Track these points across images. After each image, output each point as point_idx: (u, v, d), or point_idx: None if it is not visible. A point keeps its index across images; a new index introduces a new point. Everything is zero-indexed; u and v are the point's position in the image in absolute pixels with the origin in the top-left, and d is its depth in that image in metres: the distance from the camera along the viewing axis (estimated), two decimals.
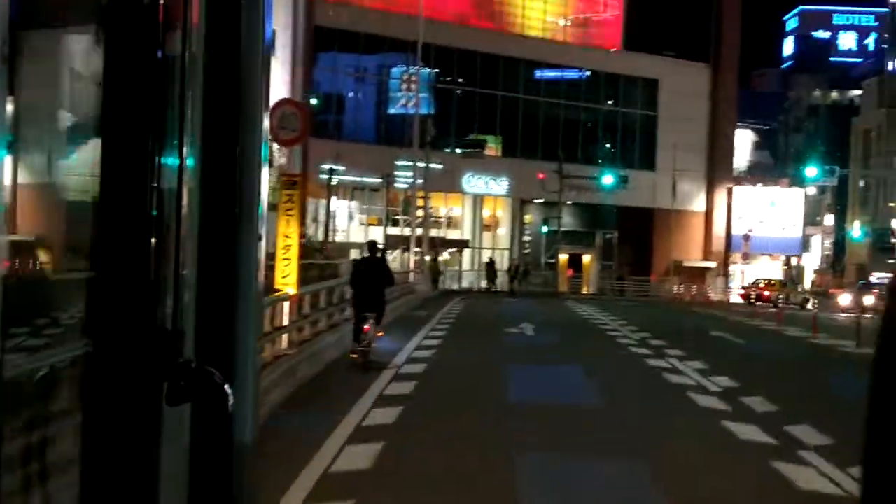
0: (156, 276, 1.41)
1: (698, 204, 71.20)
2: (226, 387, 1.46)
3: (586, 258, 69.61)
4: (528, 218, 67.77)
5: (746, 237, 67.44)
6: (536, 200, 66.99)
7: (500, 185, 65.53)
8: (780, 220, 70.28)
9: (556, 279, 63.03)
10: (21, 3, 1.45)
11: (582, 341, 23.26)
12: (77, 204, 1.86)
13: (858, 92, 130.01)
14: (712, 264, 70.14)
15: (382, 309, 17.10)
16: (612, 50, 68.21)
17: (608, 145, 69.54)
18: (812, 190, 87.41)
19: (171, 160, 1.48)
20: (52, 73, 1.90)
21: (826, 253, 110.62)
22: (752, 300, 55.63)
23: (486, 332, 24.47)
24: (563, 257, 66.34)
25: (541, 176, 61.52)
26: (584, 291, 65.14)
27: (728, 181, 71.60)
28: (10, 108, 1.41)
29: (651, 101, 69.67)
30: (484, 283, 62.58)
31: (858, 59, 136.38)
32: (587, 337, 24.78)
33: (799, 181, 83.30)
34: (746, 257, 67.14)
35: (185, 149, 1.49)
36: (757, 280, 62.35)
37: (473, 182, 64.16)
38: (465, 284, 63.95)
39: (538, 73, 66.55)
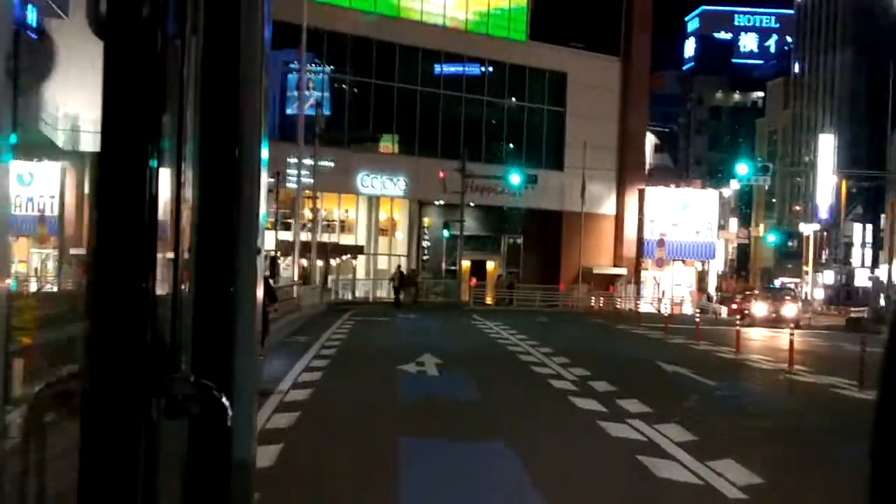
0: (154, 289, 1.40)
1: (609, 206, 65.83)
2: (224, 401, 1.43)
3: (490, 265, 63.70)
4: (427, 221, 61.59)
5: (661, 242, 62.21)
6: (437, 202, 60.92)
7: (398, 186, 59.31)
8: (693, 223, 65.23)
9: (458, 288, 56.96)
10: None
11: (504, 388, 16.96)
12: None
13: (761, 94, 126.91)
14: (623, 271, 64.82)
15: (266, 328, 15.55)
16: (518, 40, 62.45)
17: (514, 144, 63.71)
18: (727, 192, 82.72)
19: (169, 172, 1.47)
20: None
21: (730, 258, 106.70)
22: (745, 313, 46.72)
23: (374, 374, 18.11)
24: (466, 264, 60.33)
25: (441, 175, 55.41)
26: (489, 301, 59.23)
27: (640, 182, 66.37)
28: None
29: (559, 96, 64.05)
30: (385, 294, 56.63)
31: (760, 61, 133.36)
32: (509, 378, 18.51)
33: (715, 182, 78.70)
34: (661, 264, 61.91)
35: (183, 162, 1.48)
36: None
37: (368, 182, 57.81)
38: (359, 294, 57.65)
39: (438, 64, 60.46)
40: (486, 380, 17.58)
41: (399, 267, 55.92)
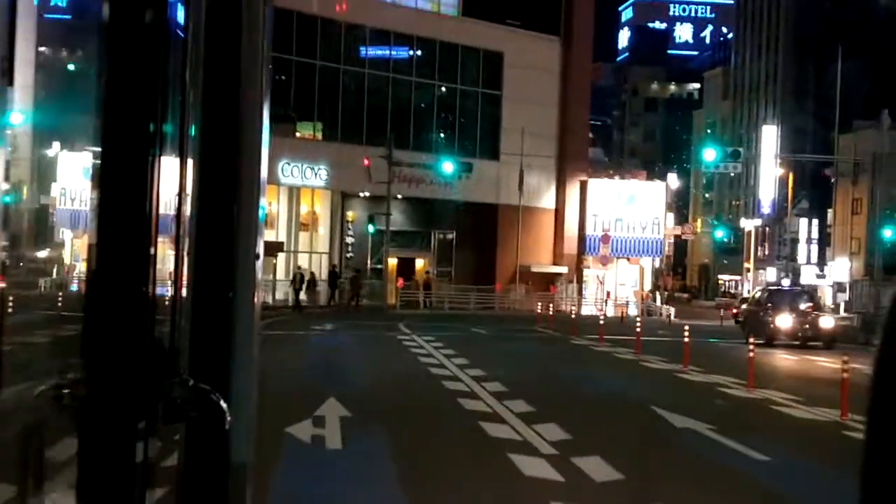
0: (153, 293, 1.40)
1: (548, 200, 59.78)
2: (222, 404, 1.43)
3: (419, 262, 57.33)
4: (351, 215, 54.98)
5: (605, 238, 56.31)
6: (362, 194, 54.42)
7: (319, 176, 52.70)
8: (639, 217, 59.41)
9: (383, 290, 50.49)
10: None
11: (447, 477, 10.56)
12: None
13: (698, 85, 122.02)
14: (563, 269, 58.85)
15: None
16: (450, 15, 56.13)
17: (445, 130, 57.31)
18: (675, 183, 77.42)
19: (169, 176, 1.48)
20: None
21: (667, 254, 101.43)
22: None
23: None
24: (392, 261, 53.95)
25: (366, 162, 49.01)
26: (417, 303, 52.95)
27: (581, 173, 60.40)
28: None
29: (495, 77, 57.79)
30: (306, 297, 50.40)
31: (695, 52, 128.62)
32: (451, 450, 12.02)
33: (654, 176, 73.17)
34: (606, 261, 56.00)
35: (184, 166, 1.49)
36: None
37: (289, 171, 51.03)
38: (279, 296, 51.01)
39: (363, 40, 53.90)
40: (416, 457, 11.17)
41: (300, 268, 49.85)
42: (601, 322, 31.95)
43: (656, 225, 60.00)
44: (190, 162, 1.52)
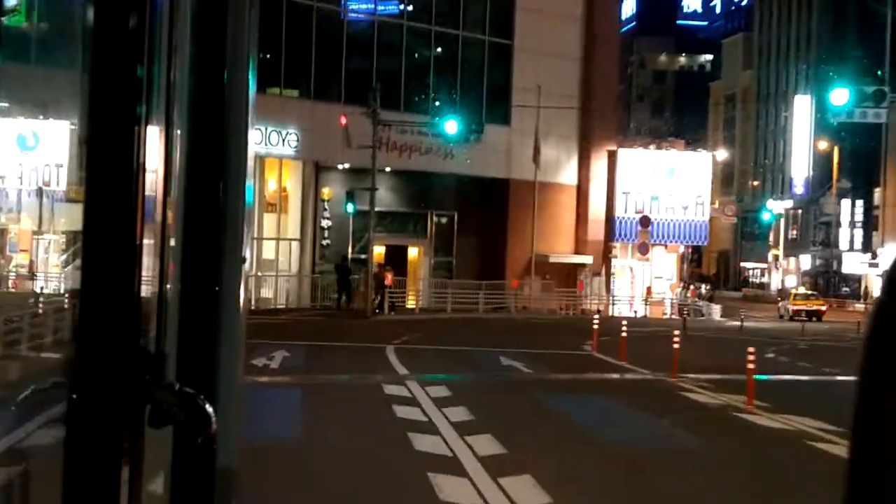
0: (139, 297, 1.38)
1: (568, 174, 47.74)
2: (208, 409, 1.40)
3: (414, 252, 45.21)
4: (326, 192, 42.75)
5: (645, 220, 44.28)
6: (340, 166, 42.33)
7: (287, 143, 40.59)
8: (681, 195, 47.47)
9: (364, 286, 38.05)
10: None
11: None
12: None
13: (709, 56, 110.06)
14: (588, 259, 46.87)
15: None
16: None
17: (444, 87, 45.00)
18: (722, 154, 65.42)
19: (154, 182, 1.46)
20: None
21: None
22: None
23: None
24: (379, 250, 41.87)
25: (343, 121, 36.85)
26: (412, 305, 40.91)
27: (609, 142, 48.34)
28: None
29: (505, 23, 45.55)
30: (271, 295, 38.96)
31: (704, 22, 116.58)
32: None
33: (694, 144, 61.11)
34: (646, 250, 43.97)
35: (170, 171, 1.48)
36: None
37: (251, 135, 38.52)
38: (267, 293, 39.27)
39: None
40: None
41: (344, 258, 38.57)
42: (677, 339, 19.66)
43: (700, 205, 47.99)
44: (175, 169, 1.47)
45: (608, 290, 46.85)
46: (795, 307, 49.57)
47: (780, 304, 55.86)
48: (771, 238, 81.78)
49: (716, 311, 48.40)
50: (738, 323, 40.43)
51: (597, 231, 47.22)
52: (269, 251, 41.75)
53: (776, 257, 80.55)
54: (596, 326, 23.87)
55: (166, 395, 1.40)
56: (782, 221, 79.00)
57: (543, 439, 12.21)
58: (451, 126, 36.47)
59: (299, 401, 14.20)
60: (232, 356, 1.51)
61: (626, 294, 46.78)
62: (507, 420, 13.19)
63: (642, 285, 47.52)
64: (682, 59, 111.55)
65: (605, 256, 47.30)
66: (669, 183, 47.10)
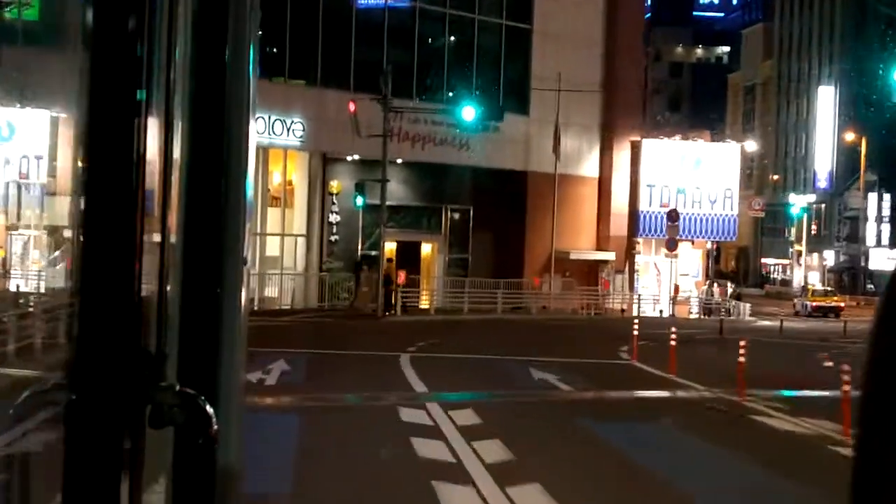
0: (140, 297, 1.37)
1: (590, 166, 45.00)
2: (209, 409, 1.39)
3: (427, 248, 42.50)
4: (335, 185, 40.04)
5: (673, 214, 41.47)
6: (349, 157, 39.65)
7: (293, 132, 37.97)
8: (708, 188, 44.69)
9: (373, 285, 35.24)
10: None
11: None
12: None
13: (727, 48, 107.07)
14: (610, 255, 44.14)
15: None
16: None
17: (458, 75, 42.25)
18: (752, 145, 62.46)
19: (156, 181, 1.44)
20: None
21: None
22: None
23: None
24: (391, 246, 39.22)
25: (352, 107, 34.13)
26: (425, 305, 38.19)
27: (633, 132, 45.56)
28: None
29: (523, 6, 42.85)
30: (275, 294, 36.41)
31: (720, 14, 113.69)
32: None
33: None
34: (674, 246, 41.17)
35: (170, 169, 1.45)
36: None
37: (255, 125, 35.80)
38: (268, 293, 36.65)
39: None
40: None
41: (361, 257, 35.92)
42: (743, 347, 16.80)
43: (729, 199, 45.20)
44: (175, 169, 1.44)
45: (631, 288, 44.13)
46: (815, 304, 50.16)
47: (795, 300, 55.47)
48: (793, 233, 78.87)
49: (745, 309, 45.59)
50: (771, 323, 37.66)
51: (619, 226, 44.50)
52: (273, 248, 39.13)
53: (798, 253, 77.60)
54: (636, 332, 21.02)
55: (167, 395, 1.37)
56: (805, 216, 76.04)
57: (605, 488, 9.50)
58: (469, 112, 33.70)
59: (295, 435, 11.47)
60: (233, 356, 1.46)
61: (650, 292, 43.99)
62: (555, 461, 10.49)
63: (668, 283, 44.76)
64: (699, 51, 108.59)
65: (629, 253, 44.59)
66: (696, 175, 44.34)
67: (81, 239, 1.34)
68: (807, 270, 75.88)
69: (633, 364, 20.13)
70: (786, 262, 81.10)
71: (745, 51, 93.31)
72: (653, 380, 17.72)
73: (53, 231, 31.61)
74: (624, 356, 21.71)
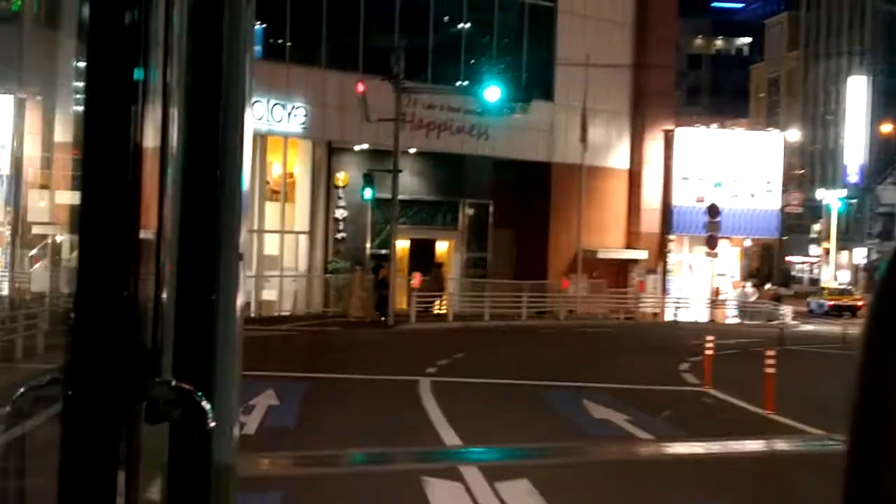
0: (135, 293, 1.36)
1: (619, 157, 40.96)
2: (205, 405, 1.38)
3: (442, 246, 38.42)
4: (342, 177, 36.00)
5: (713, 210, 37.36)
6: (357, 147, 35.65)
7: (295, 118, 33.98)
8: (748, 181, 40.63)
9: (385, 289, 31.15)
10: None
11: None
12: None
13: (748, 39, 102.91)
14: (642, 254, 40.10)
15: None
16: None
17: (476, 56, 38.24)
18: (794, 134, 58.39)
19: (152, 176, 1.42)
20: None
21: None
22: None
23: None
24: (403, 245, 35.22)
25: (360, 88, 30.10)
26: (443, 311, 34.07)
27: (666, 120, 41.50)
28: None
29: None
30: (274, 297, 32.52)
31: (740, 5, 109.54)
32: None
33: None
34: (715, 244, 37.08)
35: (166, 163, 1.43)
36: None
37: (254, 109, 31.77)
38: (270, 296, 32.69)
39: None
40: None
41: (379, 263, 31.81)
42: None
43: (770, 192, 41.11)
44: (171, 164, 1.43)
45: (664, 290, 40.11)
46: (831, 302, 49.12)
47: (808, 299, 53.42)
48: (821, 230, 74.73)
49: (787, 313, 41.50)
50: (828, 328, 33.61)
51: (651, 222, 40.47)
52: (272, 246, 35.10)
53: (826, 251, 73.45)
54: (710, 351, 16.84)
55: (163, 391, 1.37)
56: (834, 213, 71.85)
57: None
58: (493, 93, 29.61)
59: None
60: (229, 352, 1.46)
61: (685, 294, 39.95)
62: None
63: (705, 284, 40.70)
64: (719, 43, 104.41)
65: (661, 251, 40.54)
66: (735, 167, 40.25)
67: (77, 233, 1.30)
68: (836, 268, 71.75)
69: (708, 392, 16.03)
70: (811, 259, 76.97)
71: (768, 41, 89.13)
72: (745, 418, 13.63)
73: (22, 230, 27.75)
74: (689, 378, 17.68)
